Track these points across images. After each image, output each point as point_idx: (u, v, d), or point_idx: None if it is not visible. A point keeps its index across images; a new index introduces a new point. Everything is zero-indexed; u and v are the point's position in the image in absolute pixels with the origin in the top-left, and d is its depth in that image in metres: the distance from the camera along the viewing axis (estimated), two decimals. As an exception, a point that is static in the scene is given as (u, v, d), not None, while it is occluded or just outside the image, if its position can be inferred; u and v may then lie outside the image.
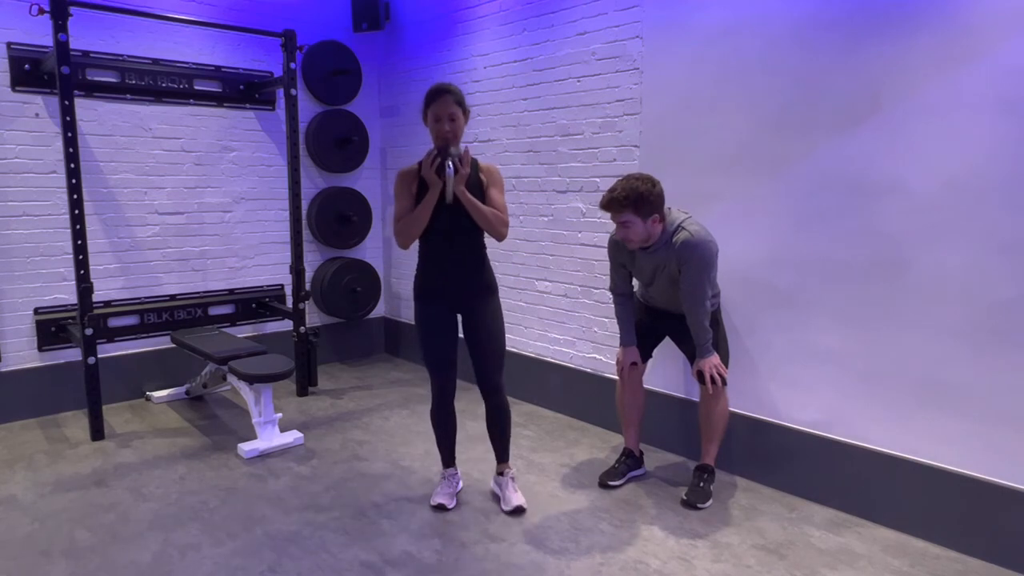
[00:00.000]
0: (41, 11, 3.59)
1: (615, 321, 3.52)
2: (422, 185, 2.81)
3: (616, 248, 3.11)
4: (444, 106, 2.76)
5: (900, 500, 2.82)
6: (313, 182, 5.19)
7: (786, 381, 3.17)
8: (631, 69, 3.61)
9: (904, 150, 2.70)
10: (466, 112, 2.83)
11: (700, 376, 2.99)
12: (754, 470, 3.30)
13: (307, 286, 5.07)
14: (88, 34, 4.10)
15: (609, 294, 3.33)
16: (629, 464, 3.30)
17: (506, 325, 4.48)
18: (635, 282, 3.23)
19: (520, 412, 4.25)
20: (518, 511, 2.98)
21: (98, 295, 4.07)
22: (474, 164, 2.87)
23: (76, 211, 3.62)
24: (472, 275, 2.91)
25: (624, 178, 2.88)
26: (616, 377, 3.40)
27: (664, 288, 3.03)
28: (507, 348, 4.46)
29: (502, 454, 3.10)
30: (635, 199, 2.79)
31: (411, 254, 3.00)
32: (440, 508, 3.01)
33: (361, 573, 2.55)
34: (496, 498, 3.10)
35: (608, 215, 2.93)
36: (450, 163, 2.71)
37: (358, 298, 5.30)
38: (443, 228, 2.83)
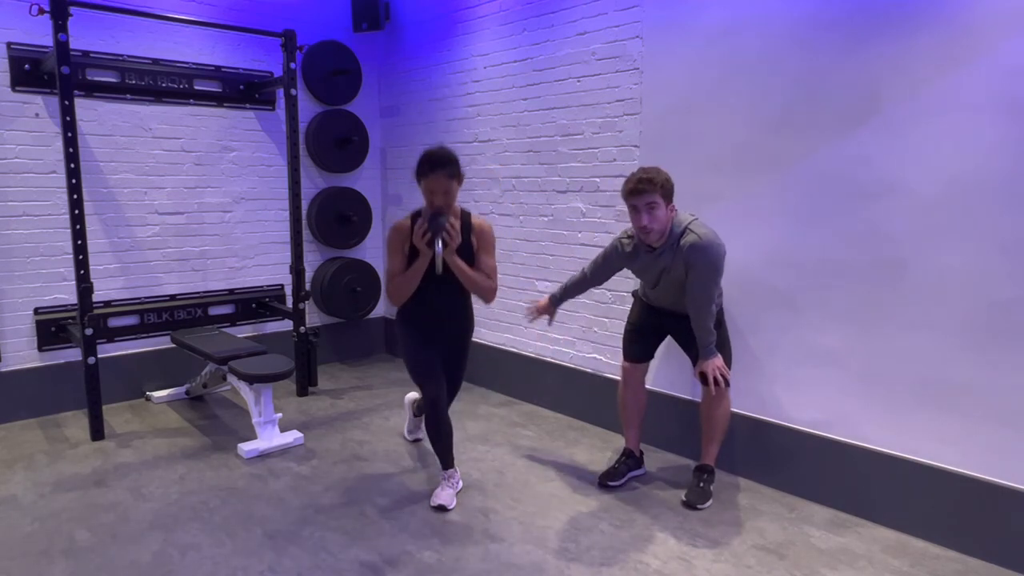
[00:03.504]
0: (41, 11, 3.59)
1: (616, 321, 3.54)
2: (414, 245, 2.88)
3: (620, 253, 3.08)
4: (438, 183, 2.80)
5: (900, 500, 2.82)
6: (313, 182, 5.19)
7: (786, 381, 3.17)
8: (631, 69, 3.61)
9: (904, 150, 2.70)
10: (461, 178, 2.88)
11: (703, 377, 2.99)
12: (754, 470, 3.30)
13: (307, 286, 5.07)
14: (88, 34, 4.10)
15: (611, 294, 3.34)
16: (629, 464, 3.30)
17: (506, 325, 4.55)
18: (637, 281, 3.22)
19: (520, 412, 4.25)
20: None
21: (98, 295, 4.07)
22: (466, 221, 2.95)
23: (76, 211, 3.62)
24: (456, 320, 3.11)
25: (640, 168, 2.90)
26: (618, 377, 3.40)
27: (669, 291, 3.02)
28: (507, 348, 4.52)
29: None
30: (662, 181, 2.82)
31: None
32: (440, 509, 3.01)
33: (361, 573, 2.55)
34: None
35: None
36: (439, 242, 2.78)
37: (358, 298, 5.30)
38: (434, 289, 2.95)
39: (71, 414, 4.20)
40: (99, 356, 3.80)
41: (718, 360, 2.95)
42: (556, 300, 3.34)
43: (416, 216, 2.94)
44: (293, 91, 4.34)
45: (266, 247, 4.98)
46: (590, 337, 4.00)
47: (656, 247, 2.92)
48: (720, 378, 2.94)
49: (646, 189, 2.80)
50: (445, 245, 2.79)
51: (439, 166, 2.78)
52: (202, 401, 4.47)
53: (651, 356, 3.30)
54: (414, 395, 3.77)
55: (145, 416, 4.20)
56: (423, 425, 3.55)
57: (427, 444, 3.68)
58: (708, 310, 2.91)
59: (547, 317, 3.39)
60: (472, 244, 2.95)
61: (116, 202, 4.33)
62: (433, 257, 2.81)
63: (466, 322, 3.16)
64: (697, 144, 3.37)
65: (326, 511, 3.01)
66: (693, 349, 3.05)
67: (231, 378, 3.82)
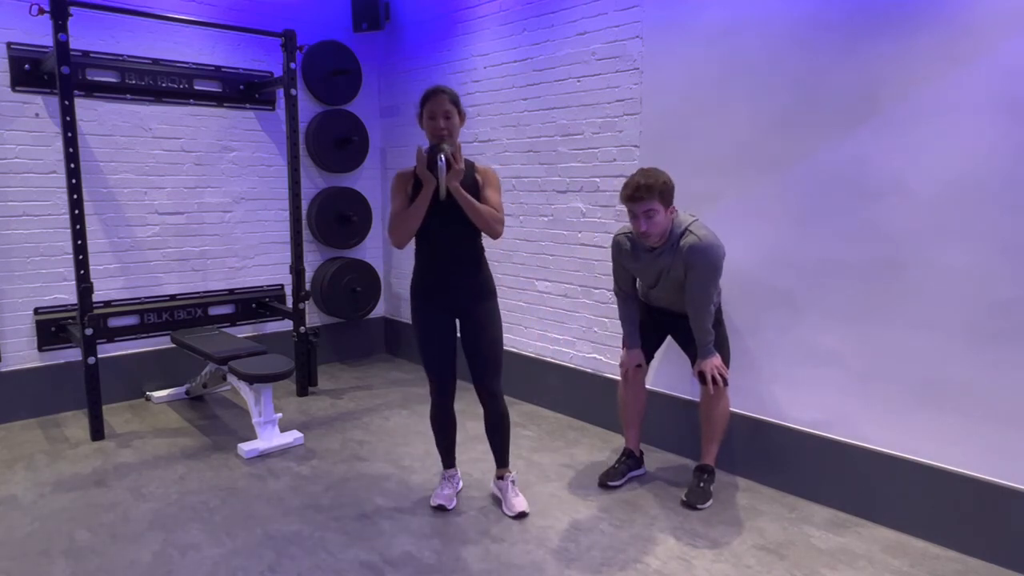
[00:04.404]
0: (41, 11, 3.59)
1: (615, 321, 3.53)
2: (417, 186, 2.80)
3: (619, 250, 3.10)
4: (439, 104, 2.76)
5: (900, 500, 2.82)
6: (313, 182, 5.19)
7: (786, 381, 3.17)
8: (631, 69, 3.61)
9: (904, 150, 2.70)
10: (462, 114, 2.82)
11: (702, 376, 2.99)
12: (754, 470, 3.30)
13: (307, 286, 5.07)
14: (88, 34, 4.10)
15: (611, 294, 3.32)
16: (629, 464, 3.30)
17: (506, 325, 4.49)
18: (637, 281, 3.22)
19: (520, 412, 4.25)
20: (521, 516, 2.97)
21: (98, 295, 4.07)
22: (470, 165, 2.87)
23: (76, 211, 3.62)
24: (468, 276, 2.89)
25: (638, 171, 2.88)
26: (618, 377, 3.40)
27: (668, 291, 3.02)
28: (507, 348, 4.48)
29: (502, 459, 3.09)
30: (660, 186, 2.79)
31: (410, 253, 3.00)
32: (440, 509, 3.01)
33: (361, 573, 2.55)
34: (497, 501, 3.10)
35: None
36: (442, 157, 2.70)
37: (358, 298, 5.30)
38: (438, 227, 2.82)
39: (71, 414, 4.20)
40: (99, 356, 3.81)
41: (716, 359, 2.96)
42: (637, 340, 3.20)
43: None
44: (293, 91, 4.34)
45: (266, 247, 4.98)
46: (590, 337, 4.00)
47: (656, 247, 2.93)
48: (718, 377, 2.95)
49: (643, 196, 2.79)
50: (449, 166, 2.71)
51: (441, 91, 2.78)
52: (202, 401, 4.47)
53: (650, 358, 3.29)
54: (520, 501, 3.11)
55: (145, 416, 4.20)
56: (510, 494, 3.07)
57: (422, 442, 3.68)
58: (707, 310, 2.91)
59: (643, 365, 3.22)
60: (477, 181, 2.86)
61: (116, 202, 4.33)
62: (437, 186, 2.72)
63: (480, 274, 2.90)
64: (697, 144, 3.37)
65: (326, 511, 3.01)
66: (692, 348, 3.05)
67: (231, 378, 3.82)
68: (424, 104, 2.80)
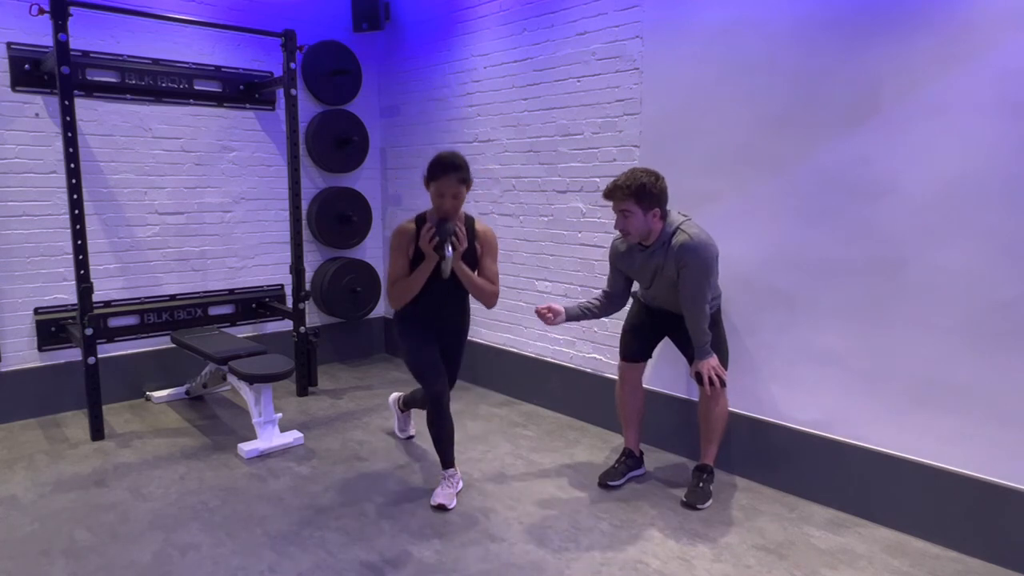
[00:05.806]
0: (41, 11, 3.59)
1: (615, 321, 3.53)
2: (418, 250, 2.89)
3: (615, 252, 3.10)
4: (448, 185, 2.81)
5: (900, 500, 2.82)
6: (313, 182, 5.19)
7: (786, 381, 3.17)
8: (631, 69, 3.61)
9: (904, 150, 2.70)
10: (469, 184, 2.88)
11: (698, 377, 2.99)
12: (754, 470, 3.30)
13: (307, 286, 5.07)
14: (88, 34, 4.10)
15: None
16: (629, 464, 3.30)
17: (506, 325, 4.55)
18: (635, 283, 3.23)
19: (520, 412, 4.25)
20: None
21: (98, 295, 4.07)
22: (470, 226, 2.97)
23: (76, 211, 3.62)
24: (456, 321, 3.17)
25: (630, 170, 2.91)
26: (616, 377, 3.40)
27: (663, 290, 3.03)
28: (507, 348, 4.53)
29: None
30: (637, 188, 2.81)
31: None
32: (440, 508, 3.01)
33: (361, 573, 2.55)
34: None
35: (608, 213, 2.93)
36: (449, 247, 2.79)
37: (358, 298, 5.30)
38: (435, 290, 2.97)
39: (71, 414, 4.20)
40: (99, 356, 3.80)
41: (713, 360, 2.95)
42: (571, 316, 3.17)
43: (420, 219, 2.94)
44: (293, 91, 4.34)
45: (266, 247, 4.98)
46: (590, 337, 4.00)
47: (648, 245, 2.94)
48: (715, 378, 2.95)
49: (615, 197, 2.85)
50: (454, 249, 2.81)
51: (452, 170, 2.81)
52: (202, 401, 4.47)
53: (648, 355, 3.29)
54: (397, 394, 3.86)
55: (145, 416, 4.20)
56: (412, 421, 3.84)
57: (421, 442, 3.68)
58: (701, 310, 2.91)
59: (550, 317, 3.13)
60: (476, 249, 2.98)
61: (116, 202, 4.33)
62: (439, 263, 2.84)
63: (464, 322, 3.23)
64: (697, 144, 3.37)
65: (326, 511, 3.01)
66: (690, 349, 3.05)
67: (231, 378, 3.82)
68: (432, 179, 2.84)
